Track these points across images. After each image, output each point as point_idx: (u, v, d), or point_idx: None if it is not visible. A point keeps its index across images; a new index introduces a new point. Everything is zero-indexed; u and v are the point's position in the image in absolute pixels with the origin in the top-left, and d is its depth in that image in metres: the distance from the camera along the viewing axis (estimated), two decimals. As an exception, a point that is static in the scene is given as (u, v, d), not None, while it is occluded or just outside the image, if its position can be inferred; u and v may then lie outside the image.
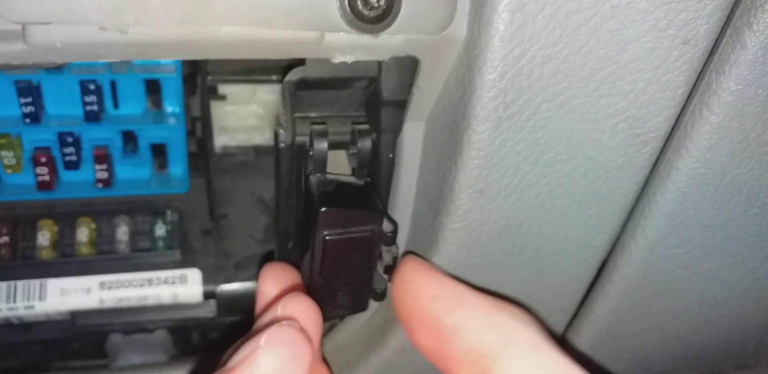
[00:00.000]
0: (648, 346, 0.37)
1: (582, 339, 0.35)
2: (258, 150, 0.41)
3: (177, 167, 0.40)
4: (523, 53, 0.25)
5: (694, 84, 0.27)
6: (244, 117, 0.39)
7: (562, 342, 0.37)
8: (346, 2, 0.25)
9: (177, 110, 0.37)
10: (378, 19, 0.25)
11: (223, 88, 0.37)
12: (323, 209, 0.29)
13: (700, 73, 0.26)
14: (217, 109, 0.38)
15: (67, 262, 0.39)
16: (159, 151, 0.39)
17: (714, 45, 0.26)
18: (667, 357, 0.38)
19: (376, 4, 0.25)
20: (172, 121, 0.37)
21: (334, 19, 0.25)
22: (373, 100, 0.31)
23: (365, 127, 0.31)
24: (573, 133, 0.27)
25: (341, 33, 0.25)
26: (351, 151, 0.32)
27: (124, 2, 0.23)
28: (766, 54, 0.25)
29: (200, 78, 0.36)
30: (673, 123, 0.27)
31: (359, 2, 0.25)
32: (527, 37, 0.25)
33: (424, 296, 0.27)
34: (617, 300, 0.33)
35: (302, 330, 0.25)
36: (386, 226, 0.31)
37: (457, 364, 0.25)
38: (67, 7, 0.23)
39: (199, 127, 0.40)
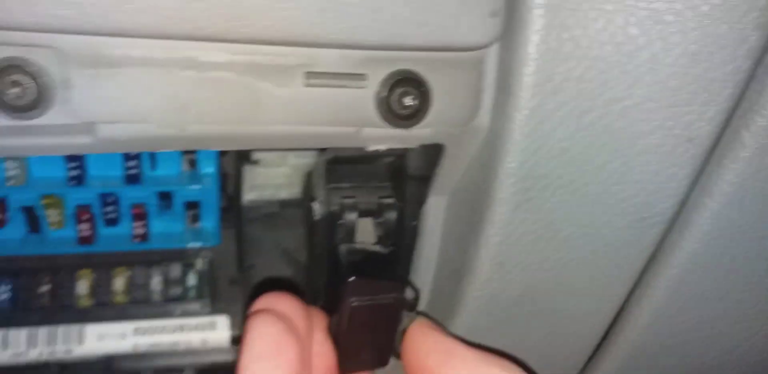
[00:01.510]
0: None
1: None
2: (283, 203, 0.43)
3: (209, 222, 0.42)
4: (542, 145, 0.28)
5: (697, 175, 0.29)
6: (274, 177, 0.41)
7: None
8: (384, 103, 0.27)
9: (211, 170, 0.40)
10: (411, 116, 0.28)
11: (257, 154, 0.40)
12: (351, 279, 0.32)
13: (702, 165, 0.29)
14: (249, 171, 0.40)
15: (104, 309, 0.41)
16: (192, 207, 0.41)
17: (716, 142, 0.28)
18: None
19: (410, 104, 0.27)
20: (207, 181, 0.39)
21: (371, 117, 0.27)
22: (398, 173, 0.34)
23: (391, 200, 0.33)
24: (585, 215, 0.30)
25: (377, 128, 0.28)
26: (377, 220, 0.34)
27: (184, 105, 0.26)
28: (763, 152, 0.28)
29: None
30: (678, 208, 0.30)
31: (394, 104, 0.27)
32: (545, 131, 0.28)
33: (422, 351, 0.30)
34: (621, 360, 0.36)
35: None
36: (408, 294, 0.33)
37: None
38: (134, 109, 0.25)
39: (228, 182, 0.43)
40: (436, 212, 0.34)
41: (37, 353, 0.39)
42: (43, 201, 0.38)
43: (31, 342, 0.39)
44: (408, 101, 0.27)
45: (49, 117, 0.24)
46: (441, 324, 0.33)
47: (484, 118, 0.29)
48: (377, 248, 0.34)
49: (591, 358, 0.37)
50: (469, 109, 0.28)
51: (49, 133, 0.26)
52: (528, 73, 0.26)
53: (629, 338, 0.35)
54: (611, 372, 0.36)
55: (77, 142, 0.27)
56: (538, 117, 0.27)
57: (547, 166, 0.28)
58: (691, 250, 0.31)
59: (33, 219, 0.39)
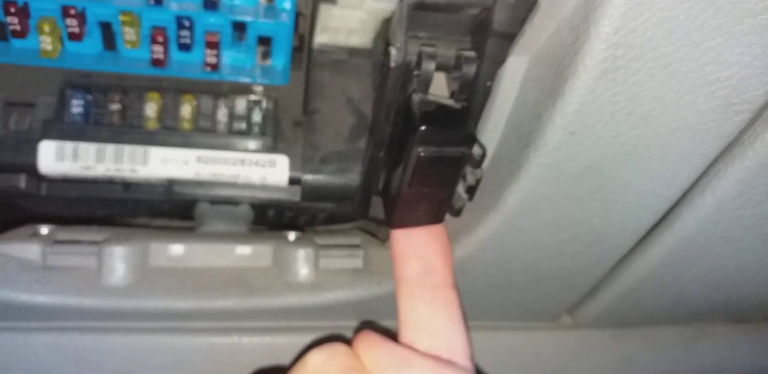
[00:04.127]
0: (690, 291, 0.40)
1: (629, 277, 0.38)
2: (352, 51, 0.43)
3: (279, 60, 0.42)
4: (642, 12, 0.26)
5: (802, 65, 0.27)
6: (348, 20, 0.40)
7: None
8: None
9: (289, 7, 0.39)
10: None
11: (336, -7, 0.38)
12: (423, 128, 0.32)
13: (810, 55, 0.27)
14: (325, 10, 0.39)
15: (169, 134, 0.41)
16: (265, 43, 0.41)
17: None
18: (704, 303, 0.41)
19: None
20: (283, 17, 0.38)
21: None
22: (481, 28, 0.32)
23: (472, 54, 0.32)
24: (670, 92, 0.29)
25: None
26: (453, 75, 0.33)
27: None
28: None
29: (315, -20, 0.37)
30: (769, 99, 0.29)
31: None
32: (649, -2, 0.26)
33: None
34: (673, 246, 0.36)
35: None
36: (476, 150, 0.33)
37: None
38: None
39: (301, 23, 0.42)
40: (513, 73, 0.33)
41: (104, 168, 0.40)
42: (121, 18, 0.38)
43: (100, 158, 0.40)
44: None
45: None
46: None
47: (586, -25, 0.27)
48: (450, 102, 0.33)
49: (642, 240, 0.37)
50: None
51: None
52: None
53: (687, 225, 0.34)
54: (659, 257, 0.36)
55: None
56: (644, -19, 0.25)
57: (643, 36, 0.27)
58: (773, 143, 0.30)
59: (109, 36, 0.40)
